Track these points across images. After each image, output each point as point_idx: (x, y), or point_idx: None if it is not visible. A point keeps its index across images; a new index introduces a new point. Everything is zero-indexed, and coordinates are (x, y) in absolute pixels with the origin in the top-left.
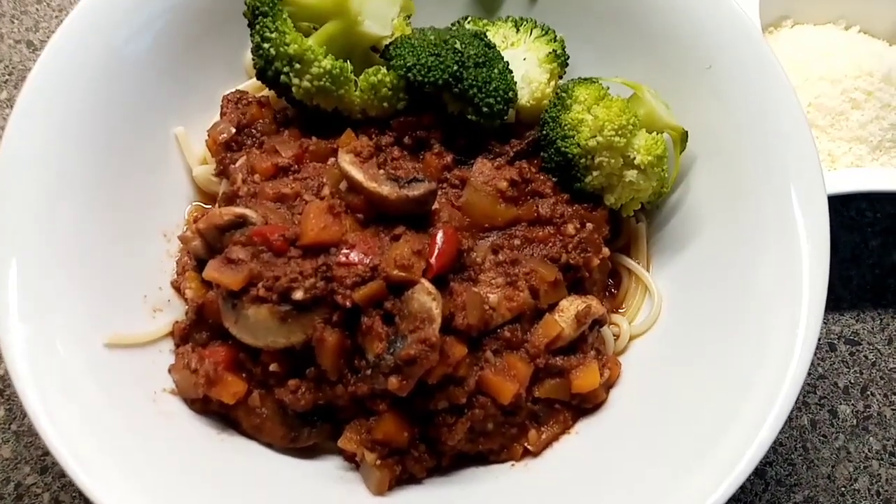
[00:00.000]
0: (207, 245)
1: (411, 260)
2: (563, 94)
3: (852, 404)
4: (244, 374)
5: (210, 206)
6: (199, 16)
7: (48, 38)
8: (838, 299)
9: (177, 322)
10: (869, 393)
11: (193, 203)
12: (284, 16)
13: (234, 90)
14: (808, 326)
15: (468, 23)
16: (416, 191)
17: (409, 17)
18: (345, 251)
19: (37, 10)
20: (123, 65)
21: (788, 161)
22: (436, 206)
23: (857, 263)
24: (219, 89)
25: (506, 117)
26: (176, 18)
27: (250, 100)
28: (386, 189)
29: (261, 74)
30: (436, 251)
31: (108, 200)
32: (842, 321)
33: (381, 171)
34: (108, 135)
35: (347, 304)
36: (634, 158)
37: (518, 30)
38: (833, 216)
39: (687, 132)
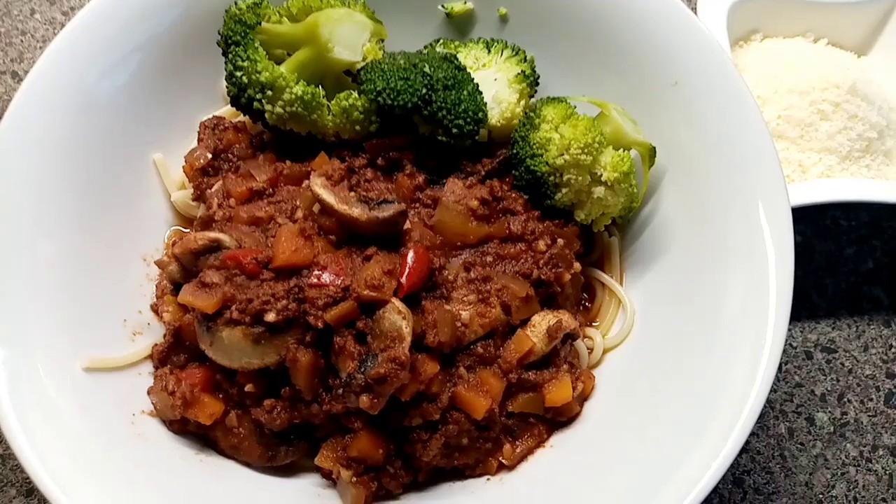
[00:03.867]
0: (183, 269)
1: (382, 280)
2: (532, 114)
3: (829, 411)
4: (221, 395)
5: (189, 230)
6: (177, 44)
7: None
8: (814, 307)
9: (155, 345)
10: (846, 400)
11: (173, 227)
12: (256, 44)
13: (211, 116)
14: (775, 340)
15: (440, 45)
16: (386, 212)
17: (381, 41)
18: (316, 273)
19: (21, 41)
20: (102, 96)
21: (754, 177)
22: (408, 225)
23: (833, 271)
24: (197, 115)
25: (477, 137)
26: (154, 48)
27: (227, 125)
28: (356, 211)
29: (234, 101)
30: (406, 271)
31: (88, 227)
32: (818, 329)
33: (353, 194)
34: (87, 163)
35: (319, 324)
36: (601, 175)
37: (489, 51)
38: (808, 225)
39: (654, 148)
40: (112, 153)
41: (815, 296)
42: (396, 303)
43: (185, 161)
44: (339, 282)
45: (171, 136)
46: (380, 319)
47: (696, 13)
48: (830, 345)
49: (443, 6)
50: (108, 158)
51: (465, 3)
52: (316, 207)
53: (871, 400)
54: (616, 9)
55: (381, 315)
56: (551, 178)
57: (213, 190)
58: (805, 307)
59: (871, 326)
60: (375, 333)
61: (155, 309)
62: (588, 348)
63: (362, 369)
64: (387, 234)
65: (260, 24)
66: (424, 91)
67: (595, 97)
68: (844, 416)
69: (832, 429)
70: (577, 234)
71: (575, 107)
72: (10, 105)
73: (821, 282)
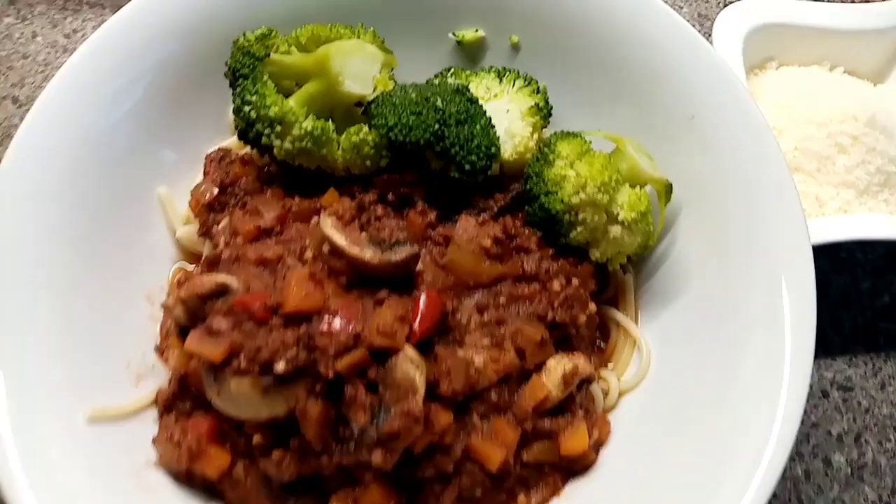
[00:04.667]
0: (190, 313)
1: (394, 327)
2: (546, 150)
3: (846, 452)
4: (228, 445)
5: (194, 266)
6: (183, 74)
7: (34, 93)
8: (829, 344)
9: (160, 391)
10: (863, 440)
11: (177, 264)
12: (265, 77)
13: (216, 149)
14: (793, 386)
15: (451, 75)
16: (399, 255)
17: (392, 69)
18: (327, 319)
19: (22, 65)
20: (105, 127)
21: (773, 216)
22: (420, 266)
23: (849, 306)
24: (203, 147)
25: (489, 172)
26: (159, 79)
27: (233, 158)
28: (368, 254)
29: (242, 135)
30: (419, 317)
31: (91, 266)
32: (834, 366)
33: (364, 234)
34: (89, 197)
35: (330, 374)
36: (618, 215)
37: (501, 80)
38: (823, 258)
39: (671, 184)
40: (115, 186)
41: (829, 332)
42: (409, 351)
43: (192, 196)
44: (351, 328)
45: (176, 166)
46: (392, 369)
47: (710, 40)
48: (847, 383)
49: (454, 34)
50: (111, 191)
51: (477, 30)
52: (325, 247)
53: (890, 441)
54: (631, 38)
55: (393, 364)
56: (566, 216)
57: (219, 227)
58: (820, 343)
59: (888, 363)
60: (387, 383)
61: (159, 351)
62: (603, 391)
63: (375, 422)
64: (399, 276)
65: (269, 55)
66: (437, 127)
67: (609, 128)
68: (862, 458)
69: (849, 471)
70: (592, 272)
71: (590, 142)
72: (13, 139)
73: (836, 316)
